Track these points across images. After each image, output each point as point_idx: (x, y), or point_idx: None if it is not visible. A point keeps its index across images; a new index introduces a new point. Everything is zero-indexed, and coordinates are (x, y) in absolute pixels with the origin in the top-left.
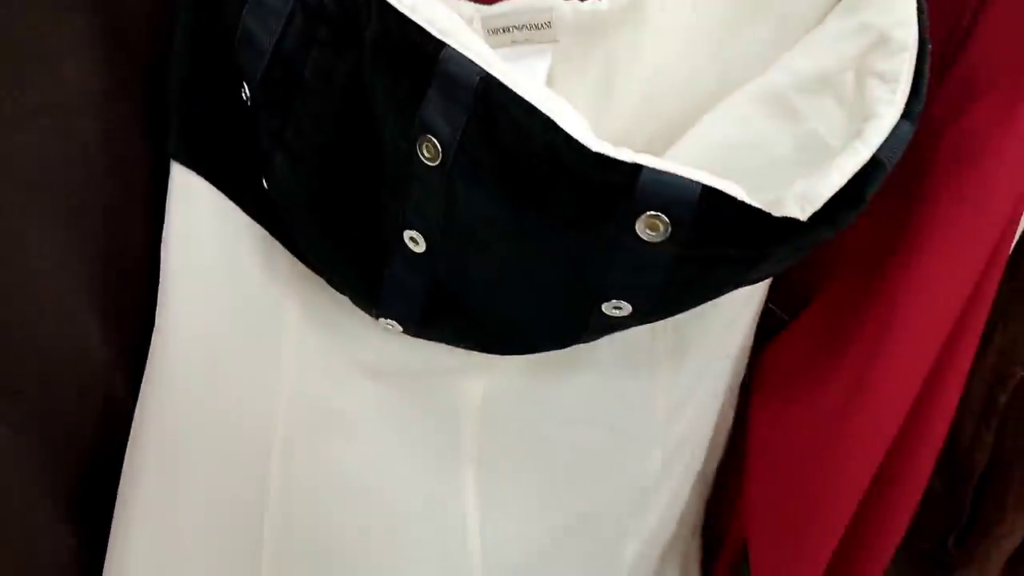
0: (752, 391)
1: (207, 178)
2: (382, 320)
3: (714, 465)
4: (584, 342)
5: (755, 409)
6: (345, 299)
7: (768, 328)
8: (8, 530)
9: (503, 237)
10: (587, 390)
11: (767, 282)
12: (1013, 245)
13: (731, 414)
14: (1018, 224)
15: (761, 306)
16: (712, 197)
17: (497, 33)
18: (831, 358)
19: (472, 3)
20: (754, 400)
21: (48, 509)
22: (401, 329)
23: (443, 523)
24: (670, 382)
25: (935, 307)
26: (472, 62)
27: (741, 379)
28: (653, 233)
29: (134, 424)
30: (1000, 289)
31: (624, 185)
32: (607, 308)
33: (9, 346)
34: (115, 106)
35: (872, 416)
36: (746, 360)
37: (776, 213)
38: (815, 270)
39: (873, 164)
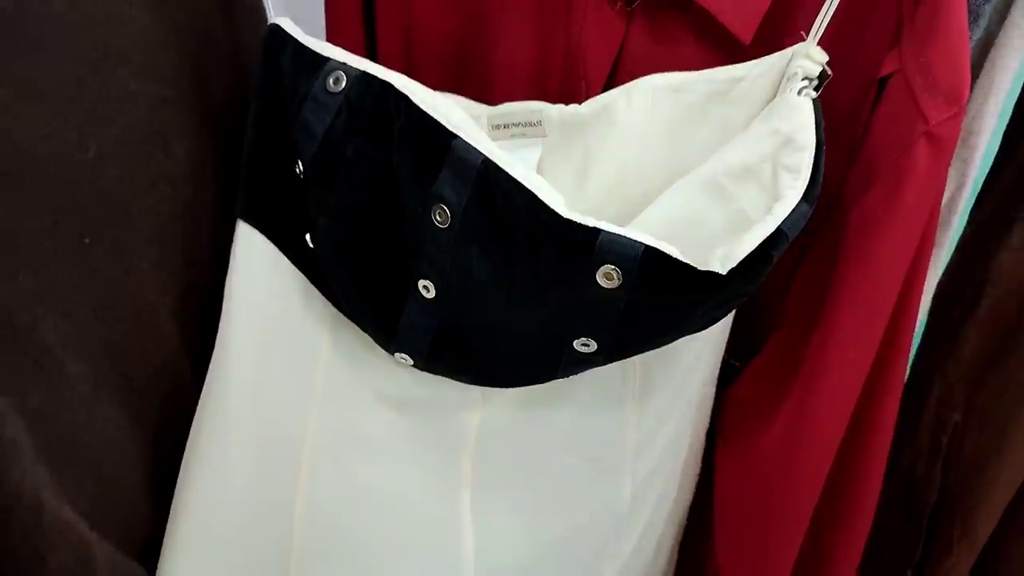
0: (716, 432)
1: (263, 233)
2: (397, 355)
3: (686, 501)
4: (560, 377)
5: (719, 447)
6: (367, 336)
7: (728, 377)
8: (113, 455)
9: (496, 284)
10: (567, 425)
11: (723, 336)
12: (920, 306)
13: (699, 454)
14: (918, 284)
15: (719, 358)
16: (652, 254)
17: (499, 128)
18: (776, 396)
19: (481, 104)
20: (718, 440)
21: (136, 451)
22: (412, 363)
23: (442, 535)
24: (639, 419)
25: (854, 350)
26: (476, 149)
27: (707, 424)
28: (609, 282)
29: (196, 415)
30: (936, 348)
31: (586, 243)
32: (577, 344)
33: (125, 331)
34: (205, 175)
35: (811, 442)
36: (709, 406)
37: (701, 268)
38: (763, 325)
39: (778, 234)
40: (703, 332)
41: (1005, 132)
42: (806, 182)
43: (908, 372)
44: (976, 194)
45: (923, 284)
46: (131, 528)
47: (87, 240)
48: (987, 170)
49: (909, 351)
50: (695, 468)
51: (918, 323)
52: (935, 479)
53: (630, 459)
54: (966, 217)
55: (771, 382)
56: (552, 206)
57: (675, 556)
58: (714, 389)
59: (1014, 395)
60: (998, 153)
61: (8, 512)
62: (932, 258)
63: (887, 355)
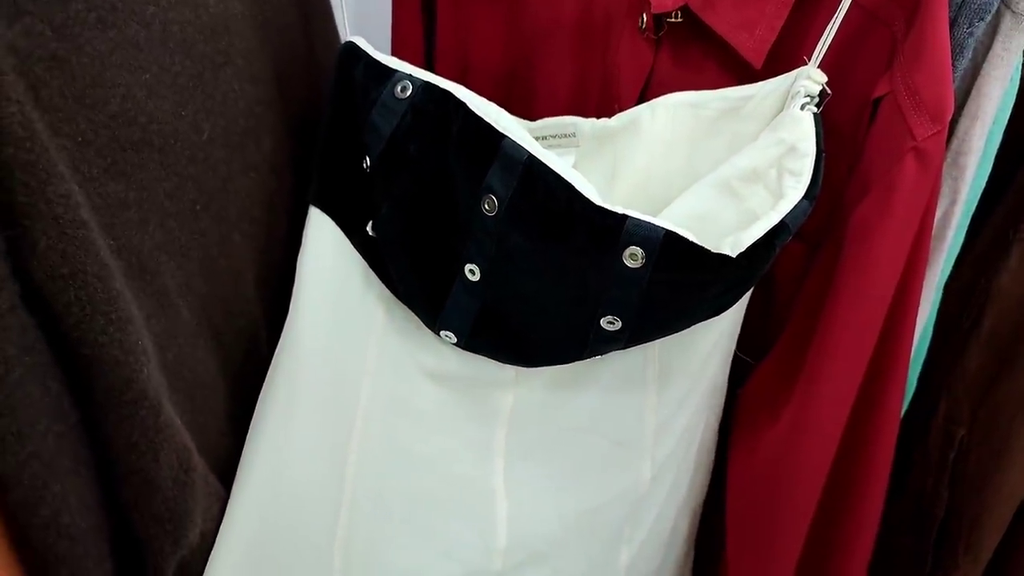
0: (731, 427)
1: (332, 218)
2: (442, 333)
3: (700, 490)
4: (588, 356)
5: (731, 441)
6: (416, 316)
7: (743, 374)
8: (203, 391)
9: (534, 265)
10: (592, 406)
11: (735, 329)
12: (927, 316)
13: (712, 444)
14: (914, 289)
15: (732, 350)
16: (672, 238)
17: (537, 140)
18: (781, 393)
19: (519, 119)
20: (731, 432)
21: (222, 392)
22: (455, 341)
23: (477, 497)
24: (658, 403)
25: (852, 348)
26: (523, 147)
27: (720, 413)
28: (633, 261)
29: (268, 375)
30: (943, 360)
31: (615, 227)
32: (604, 322)
33: (220, 289)
34: (285, 166)
35: (811, 437)
36: (722, 397)
37: (714, 251)
38: (775, 324)
39: (781, 225)
40: (717, 323)
41: (1005, 157)
42: (807, 183)
43: (916, 387)
44: (971, 212)
45: (919, 290)
46: (210, 456)
47: (198, 207)
48: (980, 190)
49: (909, 354)
50: (709, 458)
51: (923, 338)
52: (942, 494)
53: (650, 441)
54: (963, 233)
55: (777, 379)
56: (587, 195)
57: (691, 548)
58: (727, 380)
59: (1013, 411)
60: (999, 177)
61: (135, 405)
62: (930, 269)
63: (886, 356)
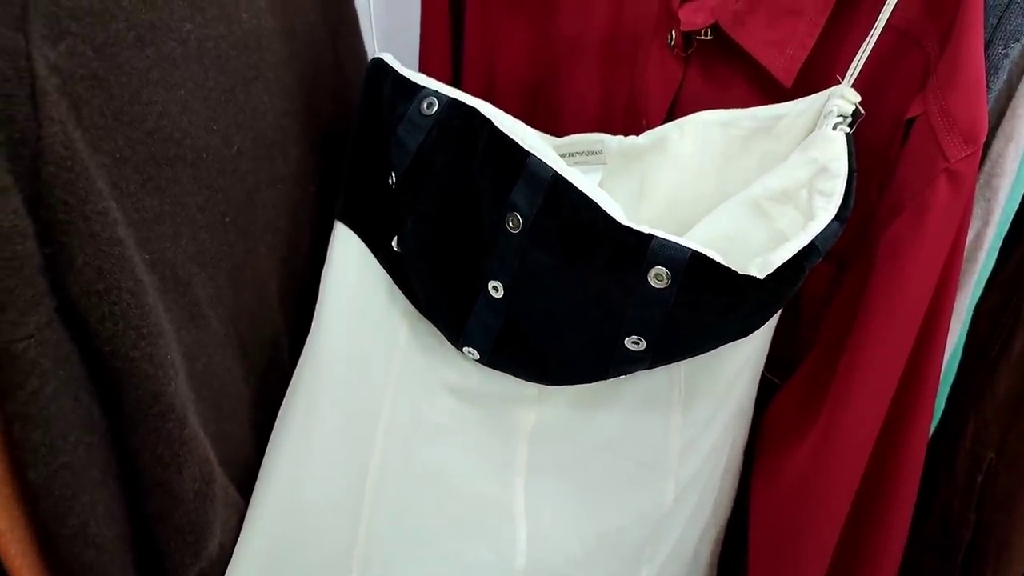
0: (755, 447)
1: (357, 233)
2: (465, 349)
3: (723, 512)
4: (611, 376)
5: (755, 463)
6: (439, 332)
7: (769, 394)
8: (229, 401)
9: (558, 284)
10: (615, 425)
11: (763, 351)
12: (958, 338)
13: (737, 466)
14: (945, 312)
15: (759, 372)
16: (698, 258)
17: (564, 156)
18: (807, 414)
19: (545, 135)
20: (756, 452)
21: (246, 402)
22: (478, 356)
23: (497, 515)
24: (682, 424)
25: (880, 371)
26: (548, 165)
27: (746, 436)
28: (659, 282)
29: (290, 386)
30: (972, 382)
31: (640, 247)
32: (628, 342)
33: (246, 300)
34: (310, 180)
35: (837, 460)
36: (749, 419)
37: (741, 272)
38: (802, 345)
39: (811, 247)
40: (744, 344)
41: None
42: (838, 204)
43: (944, 409)
44: (1003, 234)
45: (950, 312)
46: (232, 466)
47: (227, 219)
48: (1013, 212)
49: (938, 376)
50: (734, 479)
51: (952, 359)
52: (970, 517)
53: (674, 463)
54: (995, 254)
55: (804, 400)
56: (612, 214)
57: (714, 570)
58: (753, 403)
59: None
60: None
61: (162, 418)
62: (961, 290)
63: (915, 378)
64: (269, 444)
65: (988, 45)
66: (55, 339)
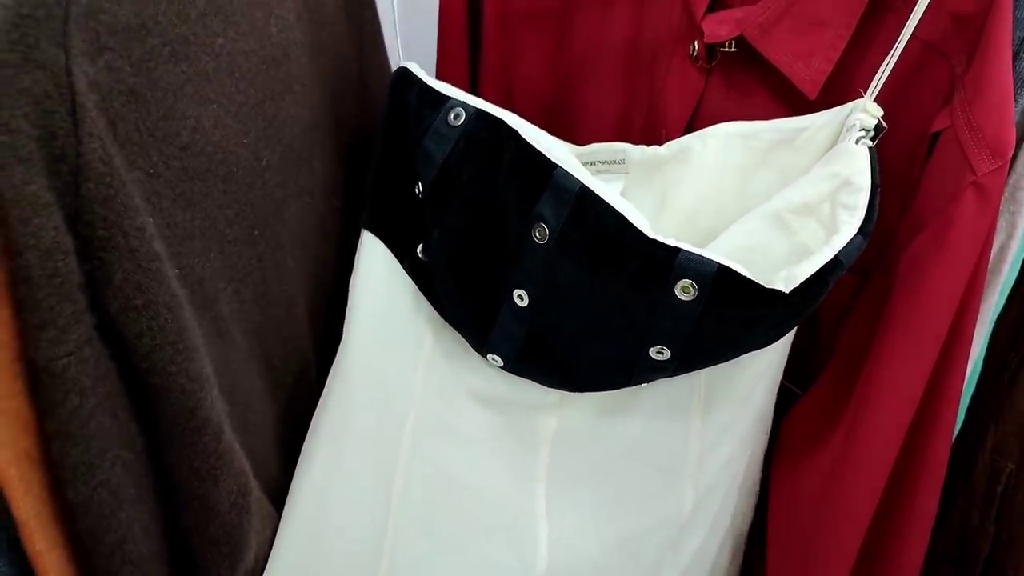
0: (774, 457)
1: (384, 242)
2: (489, 356)
3: (744, 520)
4: (634, 384)
5: (774, 472)
6: (463, 339)
7: (787, 404)
8: (254, 416)
9: (584, 295)
10: (636, 432)
11: (781, 359)
12: (978, 349)
13: (757, 474)
14: (968, 325)
15: (778, 380)
16: (725, 272)
17: (585, 165)
18: (827, 425)
19: (569, 144)
20: (774, 465)
21: (272, 416)
22: (502, 364)
23: (519, 523)
24: (702, 431)
25: (900, 385)
26: (574, 177)
27: (765, 444)
28: (686, 295)
29: (322, 397)
30: (992, 393)
31: (668, 260)
32: (653, 352)
33: (272, 314)
34: (337, 191)
35: (857, 473)
36: (768, 427)
37: (767, 286)
38: (822, 355)
39: (835, 262)
40: (764, 352)
41: None
42: (862, 218)
43: (963, 419)
44: None
45: (973, 326)
46: (261, 479)
47: (255, 232)
48: None
49: (960, 390)
50: (753, 488)
51: (973, 371)
52: (988, 530)
53: (693, 469)
54: (1018, 267)
55: (823, 410)
56: (639, 227)
57: None
58: (772, 411)
59: None
60: None
61: (199, 432)
62: (983, 303)
63: (937, 392)
64: (301, 455)
65: (1015, 59)
66: (95, 356)
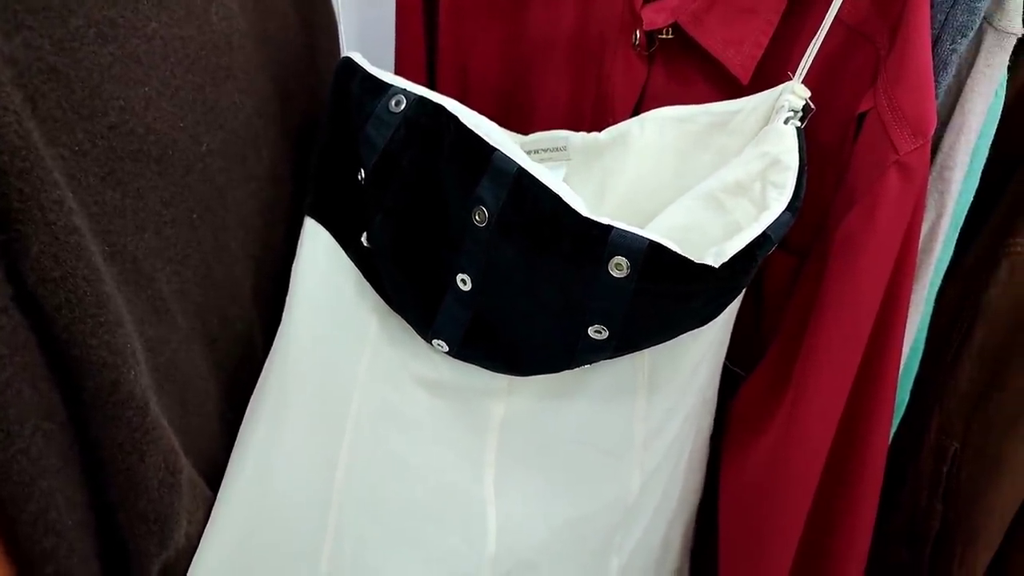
0: (723, 438)
1: (327, 228)
2: (434, 341)
3: (691, 502)
4: (576, 365)
5: (723, 454)
6: (409, 325)
7: (734, 387)
8: (194, 395)
9: (523, 275)
10: (582, 415)
11: (723, 339)
12: (917, 328)
13: (703, 455)
14: (901, 302)
15: (721, 361)
16: (656, 248)
17: (529, 153)
18: (769, 405)
19: (513, 133)
20: (724, 443)
21: (214, 397)
22: (447, 349)
23: (468, 508)
24: (646, 413)
25: (837, 360)
26: (512, 159)
27: (711, 425)
28: (619, 271)
29: (260, 380)
30: (935, 374)
31: (600, 238)
32: (591, 331)
33: (215, 296)
34: (283, 177)
35: (799, 449)
36: (712, 408)
37: (697, 261)
38: (765, 337)
39: (763, 237)
40: (704, 333)
41: (992, 171)
42: (790, 196)
43: (909, 400)
44: (959, 226)
45: (907, 302)
46: (200, 459)
47: (195, 216)
48: (968, 204)
49: (897, 366)
50: (700, 470)
51: (914, 351)
52: (937, 508)
53: (639, 451)
54: (951, 246)
55: (767, 391)
56: (573, 206)
57: (686, 560)
58: (716, 392)
59: (1004, 426)
60: (987, 191)
61: (123, 406)
62: (918, 282)
63: (874, 368)
64: (239, 436)
65: (936, 41)
66: (11, 325)
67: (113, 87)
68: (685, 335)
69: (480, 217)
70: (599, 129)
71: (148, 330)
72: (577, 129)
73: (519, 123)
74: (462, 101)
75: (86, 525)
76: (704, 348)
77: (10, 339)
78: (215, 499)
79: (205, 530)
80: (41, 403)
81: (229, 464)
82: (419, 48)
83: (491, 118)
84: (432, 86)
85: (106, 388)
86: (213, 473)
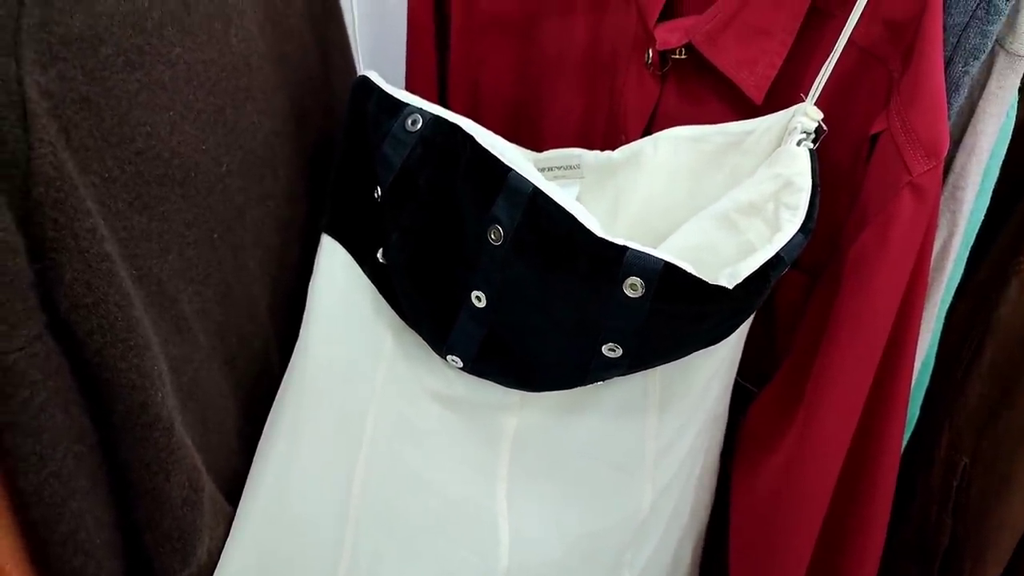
0: (734, 453)
1: (344, 246)
2: (448, 357)
3: (702, 518)
4: (590, 382)
5: (734, 470)
6: (423, 340)
7: (746, 403)
8: (214, 413)
9: (538, 294)
10: (593, 431)
11: (735, 357)
12: (928, 345)
13: (714, 472)
14: (913, 321)
15: (732, 378)
16: (671, 269)
17: (542, 171)
18: (782, 422)
19: (525, 151)
20: (735, 458)
21: (233, 414)
22: (461, 365)
23: (480, 521)
24: (658, 429)
25: (850, 379)
26: (527, 179)
27: (721, 442)
28: (633, 292)
29: (278, 396)
30: (946, 389)
31: (616, 258)
32: (605, 350)
33: (235, 314)
34: (300, 196)
35: (811, 467)
36: (723, 425)
37: (711, 282)
38: (778, 354)
39: (776, 258)
40: (716, 351)
41: (1003, 191)
42: (803, 217)
43: (919, 415)
44: (969, 244)
45: (919, 320)
46: (219, 475)
47: (215, 236)
48: (979, 223)
49: (909, 384)
50: (711, 486)
51: (925, 367)
52: (946, 523)
53: (650, 467)
54: (962, 265)
55: (778, 408)
56: (588, 227)
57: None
58: (727, 409)
59: (1014, 442)
60: (997, 211)
61: (150, 428)
62: (930, 300)
63: (886, 386)
64: (256, 453)
65: (949, 63)
66: (45, 351)
67: (140, 113)
68: (697, 352)
69: (495, 236)
70: (611, 147)
71: (172, 350)
72: (588, 147)
73: (530, 139)
74: (473, 117)
75: (113, 544)
76: (716, 365)
77: (44, 365)
78: (234, 515)
79: (225, 546)
80: (72, 426)
81: (248, 480)
82: (431, 64)
83: (502, 134)
84: (443, 102)
85: (135, 410)
86: (232, 488)
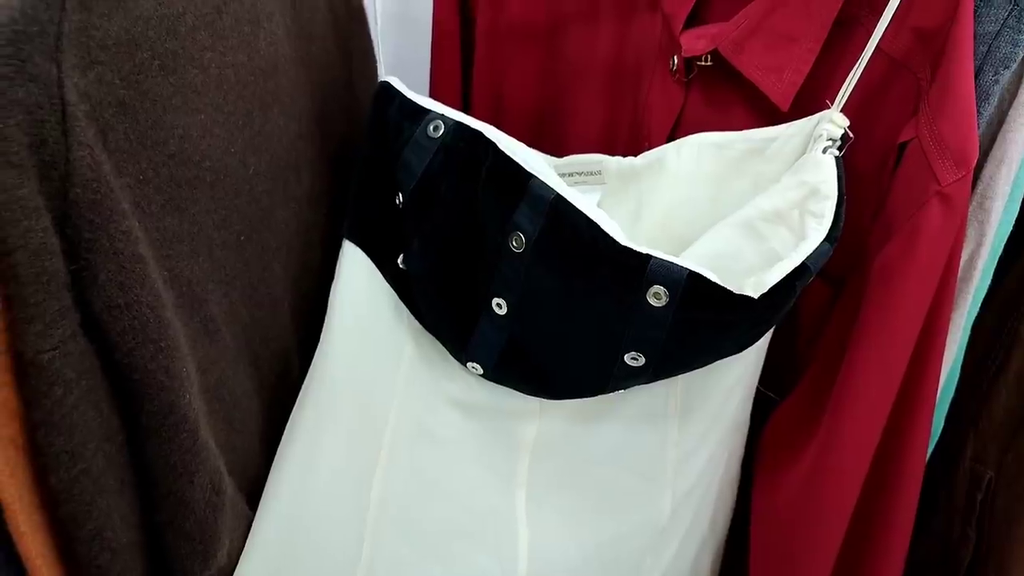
0: (755, 462)
1: (365, 251)
2: (468, 364)
3: (722, 526)
4: (610, 390)
5: (756, 479)
6: (443, 347)
7: (766, 411)
8: (240, 413)
9: (560, 302)
10: (614, 438)
11: (757, 366)
12: (954, 357)
13: (735, 480)
14: (940, 332)
15: (754, 387)
16: (695, 278)
17: (564, 176)
18: (804, 432)
19: (548, 155)
20: (756, 467)
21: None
22: (481, 372)
23: (499, 526)
24: (679, 437)
25: (874, 390)
26: (550, 186)
27: (742, 450)
28: (657, 301)
29: (298, 399)
30: (971, 401)
31: (639, 267)
32: (627, 358)
33: (260, 316)
34: (322, 199)
35: (834, 478)
36: (744, 433)
37: (736, 291)
38: (800, 363)
39: (802, 267)
40: (738, 359)
41: None
42: (829, 226)
43: (943, 427)
44: (997, 255)
45: (945, 332)
46: (242, 477)
47: (243, 238)
48: (1007, 233)
49: (934, 396)
50: (731, 494)
51: (951, 378)
52: (970, 536)
53: (670, 475)
54: (990, 276)
55: (801, 417)
56: (612, 235)
57: None
58: (748, 417)
59: None
60: None
61: (176, 429)
62: (956, 311)
63: (911, 397)
64: (276, 456)
65: (979, 72)
66: (79, 351)
67: (173, 116)
68: (720, 361)
69: (517, 243)
70: (634, 154)
71: (200, 351)
72: (611, 153)
73: (553, 147)
74: (496, 124)
75: (138, 544)
76: (738, 373)
77: (78, 364)
78: (254, 517)
79: (244, 548)
80: (103, 425)
81: (267, 482)
82: (455, 71)
83: (525, 141)
84: (466, 108)
85: (163, 411)
86: (254, 490)
